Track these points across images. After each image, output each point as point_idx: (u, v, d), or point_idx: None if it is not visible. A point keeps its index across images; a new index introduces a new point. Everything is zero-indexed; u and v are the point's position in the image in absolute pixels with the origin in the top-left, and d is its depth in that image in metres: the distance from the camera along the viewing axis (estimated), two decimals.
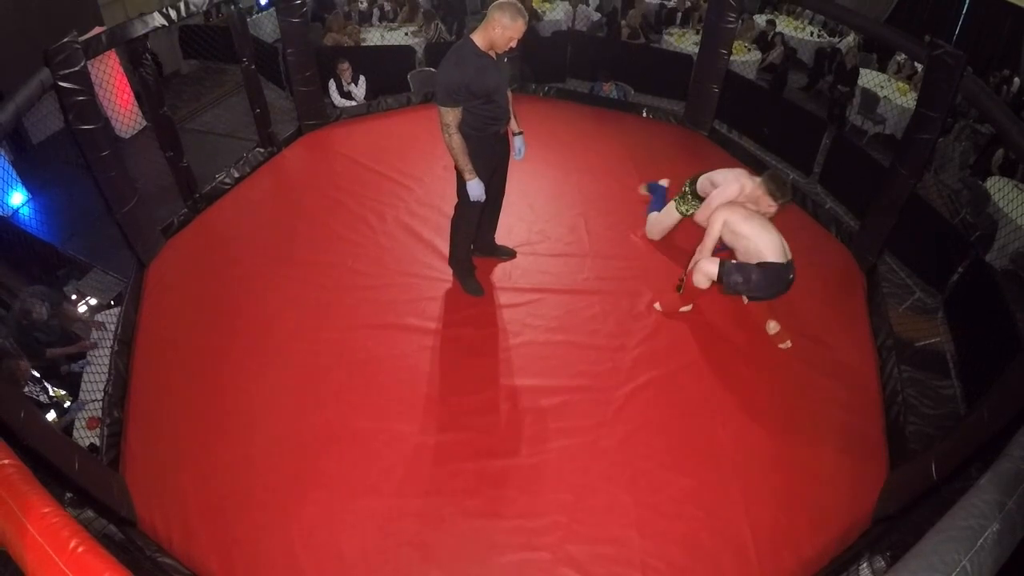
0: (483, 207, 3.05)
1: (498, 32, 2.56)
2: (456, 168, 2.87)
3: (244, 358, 3.01)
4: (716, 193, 3.21)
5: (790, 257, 2.93)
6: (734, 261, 2.98)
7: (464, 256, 3.31)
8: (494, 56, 2.67)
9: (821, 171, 4.66)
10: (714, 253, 3.12)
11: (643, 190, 4.13)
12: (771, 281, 2.91)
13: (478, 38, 2.62)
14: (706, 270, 2.98)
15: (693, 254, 3.24)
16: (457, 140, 2.71)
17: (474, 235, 3.25)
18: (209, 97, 7.38)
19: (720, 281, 2.95)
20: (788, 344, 3.13)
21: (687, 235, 3.64)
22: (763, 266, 2.87)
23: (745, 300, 3.27)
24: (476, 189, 2.84)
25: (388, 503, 2.42)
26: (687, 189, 3.57)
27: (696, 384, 2.94)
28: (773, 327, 3.15)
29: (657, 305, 3.32)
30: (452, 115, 2.66)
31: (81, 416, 3.20)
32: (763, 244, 2.87)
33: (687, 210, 3.58)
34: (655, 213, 3.84)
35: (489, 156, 2.89)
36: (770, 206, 3.05)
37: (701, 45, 4.92)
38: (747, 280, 2.89)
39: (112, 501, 2.28)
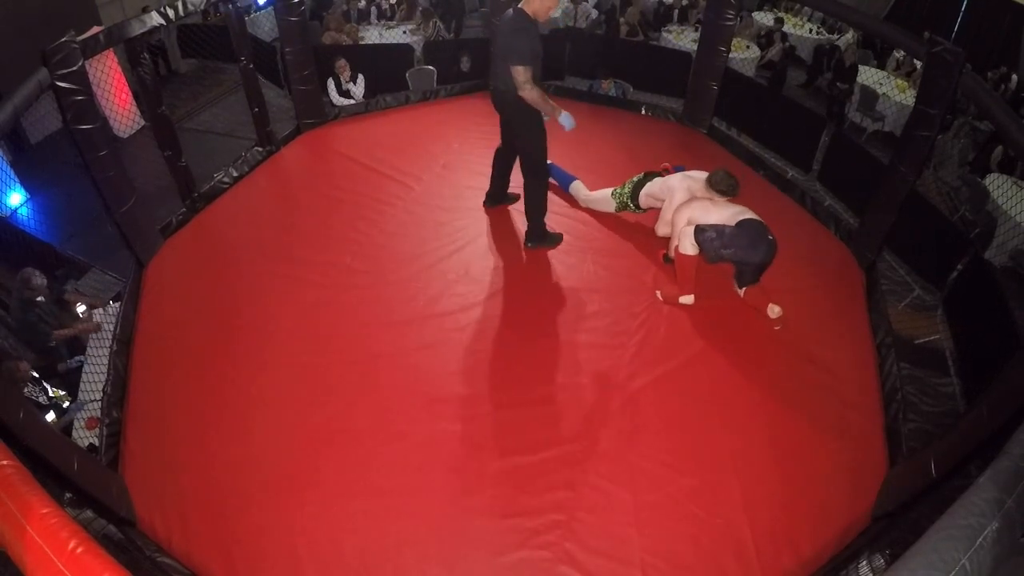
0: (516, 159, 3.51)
1: (546, 4, 3.00)
2: (531, 128, 3.22)
3: (243, 357, 3.01)
4: (666, 208, 3.46)
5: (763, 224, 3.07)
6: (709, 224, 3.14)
7: (542, 224, 3.57)
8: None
9: (820, 168, 4.66)
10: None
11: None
12: (748, 235, 3.02)
13: (527, 8, 3.02)
14: (688, 234, 3.16)
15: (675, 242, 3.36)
16: (537, 90, 3.04)
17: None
18: (207, 96, 7.37)
19: (697, 242, 3.13)
20: (782, 322, 3.17)
21: None
22: (738, 223, 3.03)
23: (741, 294, 3.28)
24: (568, 119, 3.20)
25: (388, 502, 2.41)
26: (627, 188, 3.71)
27: (695, 382, 2.93)
28: (776, 311, 3.16)
29: (659, 293, 3.36)
30: (529, 72, 3.00)
31: (80, 416, 3.20)
32: (731, 217, 3.09)
33: (619, 201, 3.77)
34: (587, 190, 4.01)
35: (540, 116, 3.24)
36: (722, 201, 3.22)
37: (700, 42, 4.92)
38: (720, 234, 3.06)
39: (111, 501, 2.27)
